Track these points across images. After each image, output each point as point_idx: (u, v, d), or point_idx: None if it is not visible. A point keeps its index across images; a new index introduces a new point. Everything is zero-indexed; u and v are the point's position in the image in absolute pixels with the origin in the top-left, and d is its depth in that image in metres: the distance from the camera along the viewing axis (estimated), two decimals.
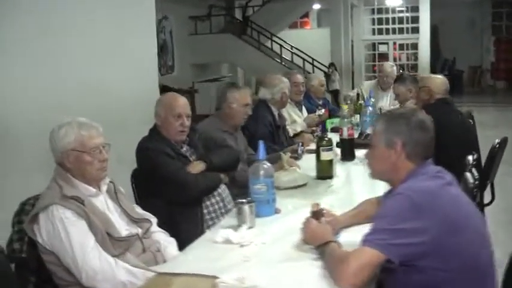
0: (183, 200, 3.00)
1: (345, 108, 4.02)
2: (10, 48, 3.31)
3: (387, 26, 18.40)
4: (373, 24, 18.57)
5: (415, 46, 18.38)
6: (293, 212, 2.67)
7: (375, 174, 2.22)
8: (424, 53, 16.92)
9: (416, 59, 18.47)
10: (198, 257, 2.16)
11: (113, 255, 2.34)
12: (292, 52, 15.46)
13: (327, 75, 14.00)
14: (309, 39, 18.32)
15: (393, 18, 18.39)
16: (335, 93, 14.39)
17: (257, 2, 15.76)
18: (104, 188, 2.53)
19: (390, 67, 6.73)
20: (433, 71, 16.33)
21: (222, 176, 3.19)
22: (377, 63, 18.79)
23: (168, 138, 3.10)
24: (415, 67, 18.07)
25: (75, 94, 3.76)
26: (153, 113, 4.67)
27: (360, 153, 3.93)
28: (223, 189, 3.20)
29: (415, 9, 17.61)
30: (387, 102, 6.36)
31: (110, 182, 2.58)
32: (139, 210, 2.70)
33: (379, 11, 18.34)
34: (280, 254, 2.13)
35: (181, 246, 2.57)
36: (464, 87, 18.60)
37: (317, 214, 2.25)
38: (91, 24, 3.96)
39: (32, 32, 3.40)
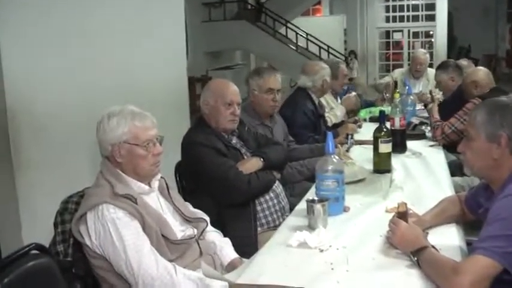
0: (231, 202, 2.74)
1: (397, 97, 3.75)
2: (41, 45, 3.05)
3: (402, 14, 18.00)
4: (388, 11, 18.17)
5: (429, 34, 18.04)
6: (363, 211, 2.42)
7: (473, 170, 1.96)
8: (440, 41, 16.53)
9: (430, 47, 18.08)
10: (274, 263, 1.89)
11: (170, 260, 2.08)
12: (307, 39, 15.11)
13: (346, 64, 13.68)
14: (322, 27, 17.96)
15: (408, 6, 18.01)
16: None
17: None
18: (156, 184, 2.27)
19: (423, 54, 6.49)
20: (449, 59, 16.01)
21: (276, 175, 2.92)
22: (391, 51, 18.47)
23: (217, 129, 2.83)
24: (430, 55, 17.74)
25: (106, 85, 3.50)
26: (183, 100, 4.44)
27: (410, 144, 3.69)
28: (277, 185, 2.94)
29: None
30: (420, 90, 6.11)
31: (161, 177, 2.32)
32: (190, 208, 2.44)
33: None
34: (367, 260, 1.87)
35: (233, 246, 2.38)
36: None
37: (404, 215, 1.98)
38: (119, 13, 3.70)
39: (57, 29, 3.13)
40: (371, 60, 17.73)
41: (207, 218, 2.43)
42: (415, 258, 1.79)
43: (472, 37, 18.83)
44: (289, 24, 15.25)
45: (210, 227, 2.42)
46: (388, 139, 3.09)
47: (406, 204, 2.01)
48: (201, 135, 2.79)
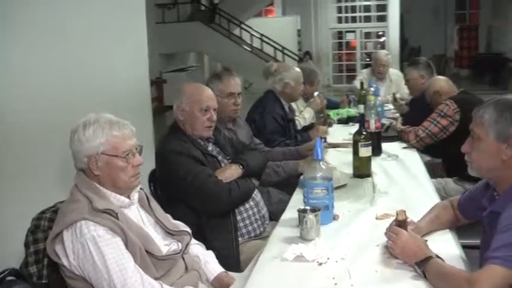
0: (212, 212, 2.62)
1: (372, 99, 3.71)
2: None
3: (354, 14, 18.19)
4: (340, 12, 18.32)
5: (381, 34, 18.30)
6: (352, 219, 2.34)
7: (480, 171, 1.90)
8: (393, 42, 16.75)
9: (383, 47, 18.34)
10: (272, 279, 1.79)
11: (155, 278, 1.97)
12: (262, 40, 15.07)
13: None
14: (276, 28, 17.94)
15: (360, 7, 18.21)
16: None
17: None
18: (136, 196, 2.14)
19: (385, 55, 6.51)
20: (400, 59, 16.28)
21: (254, 182, 2.83)
22: (344, 51, 18.62)
23: (193, 136, 2.71)
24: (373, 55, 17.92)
25: (66, 88, 3.32)
26: (145, 103, 4.29)
27: (385, 147, 3.66)
28: (256, 193, 2.84)
29: None
30: (383, 92, 6.12)
31: (141, 188, 2.19)
32: (171, 220, 2.31)
33: None
34: (370, 273, 1.79)
35: None
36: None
37: (404, 223, 1.91)
38: (80, 15, 3.52)
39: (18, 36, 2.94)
40: (324, 60, 17.84)
41: (189, 231, 2.31)
42: (420, 270, 1.72)
43: (422, 38, 19.24)
44: (243, 26, 15.17)
45: (193, 239, 2.31)
46: (368, 143, 3.04)
47: (405, 212, 1.94)
48: (176, 142, 2.66)
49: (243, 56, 13.92)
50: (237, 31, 14.99)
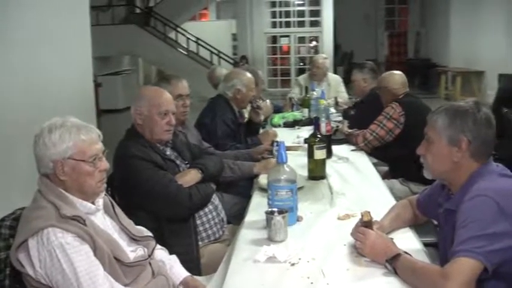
0: (173, 217, 2.62)
1: (322, 102, 3.79)
2: None
3: (288, 19, 18.44)
4: (274, 17, 18.52)
5: (315, 39, 18.61)
6: (315, 220, 2.40)
7: (433, 173, 2.02)
8: (327, 47, 17.09)
9: (316, 52, 18.67)
10: (248, 282, 1.81)
11: (125, 285, 1.95)
12: (198, 44, 15.04)
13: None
14: (210, 31, 18.00)
15: (294, 12, 18.46)
16: None
17: None
18: (101, 202, 2.10)
19: (322, 59, 6.66)
20: (334, 64, 16.66)
21: (212, 186, 2.84)
22: (278, 56, 18.80)
23: (152, 141, 2.69)
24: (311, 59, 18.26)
25: (10, 91, 3.23)
26: (89, 104, 4.23)
27: (334, 149, 3.75)
28: (214, 197, 2.86)
29: (315, 3, 17.82)
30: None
31: (105, 194, 2.16)
32: (134, 225, 2.28)
33: (280, 4, 18.34)
34: (342, 272, 1.86)
35: None
36: None
37: (369, 224, 1.98)
38: (25, 16, 3.44)
39: None
40: (259, 65, 17.99)
41: (152, 236, 2.29)
42: (391, 267, 1.80)
43: (354, 43, 19.75)
44: (179, 29, 15.09)
45: (157, 245, 2.29)
46: (323, 145, 3.11)
47: (369, 212, 2.01)
48: (135, 147, 2.63)
49: (178, 59, 13.86)
50: (172, 34, 14.89)
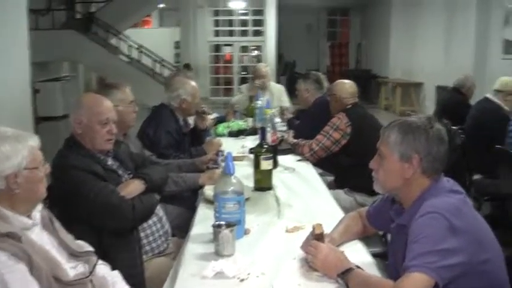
0: (116, 230, 2.50)
1: (268, 112, 3.76)
2: None
3: (231, 28, 18.45)
4: (217, 26, 18.49)
5: (258, 49, 18.69)
6: (263, 232, 2.35)
7: (384, 188, 2.00)
8: (270, 56, 17.16)
9: (259, 61, 18.74)
10: None
11: None
12: (141, 51, 14.81)
13: None
14: (153, 39, 17.78)
15: (237, 21, 18.49)
16: None
17: None
18: (38, 216, 1.97)
19: (264, 67, 6.66)
20: (277, 73, 16.77)
21: (158, 197, 2.74)
22: (221, 65, 18.78)
23: (93, 150, 2.57)
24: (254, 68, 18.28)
25: None
26: (25, 109, 4.05)
27: (280, 160, 3.72)
28: (158, 208, 2.75)
29: (258, 12, 17.91)
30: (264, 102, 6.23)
31: (43, 208, 2.03)
32: (73, 240, 2.16)
33: (224, 12, 18.33)
34: (294, 287, 1.80)
35: None
36: None
37: (321, 236, 1.94)
38: None
39: None
40: (202, 73, 17.90)
41: (93, 250, 2.18)
42: (343, 281, 1.76)
43: (296, 53, 19.96)
44: (121, 36, 14.81)
45: (98, 260, 2.18)
46: (269, 155, 3.06)
47: (321, 225, 1.98)
48: (75, 157, 2.50)
49: (120, 66, 13.61)
50: (114, 41, 14.60)
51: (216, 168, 3.51)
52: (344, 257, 1.87)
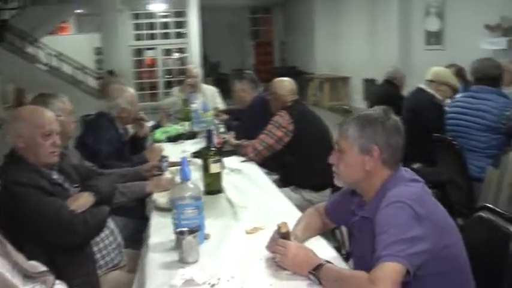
0: (68, 246, 2.43)
1: (210, 114, 3.75)
2: None
3: (153, 31, 18.19)
4: (139, 29, 18.18)
5: (181, 51, 18.55)
6: (224, 236, 2.35)
7: (347, 182, 2.05)
8: (195, 58, 17.06)
9: (183, 64, 18.63)
10: None
11: None
12: (59, 59, 14.38)
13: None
14: (72, 46, 17.28)
15: (159, 24, 18.24)
16: None
17: (14, 5, 14.31)
18: None
19: (195, 68, 6.66)
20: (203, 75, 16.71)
21: (107, 209, 2.68)
22: (145, 69, 18.47)
23: (37, 165, 2.48)
24: (184, 72, 18.12)
25: None
26: None
27: (225, 162, 3.72)
28: (109, 221, 2.70)
29: (180, 14, 17.77)
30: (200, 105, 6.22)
31: None
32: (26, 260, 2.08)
33: (144, 16, 18.06)
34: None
35: None
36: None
37: (287, 235, 1.97)
38: None
39: None
40: (126, 79, 17.58)
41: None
42: (315, 278, 1.79)
43: (221, 53, 20.01)
44: (38, 44, 14.33)
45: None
46: (217, 158, 3.07)
47: (286, 223, 2.00)
48: (20, 173, 2.39)
49: (39, 75, 13.19)
50: (31, 49, 14.10)
51: (161, 174, 3.47)
52: (313, 253, 1.91)
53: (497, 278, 1.93)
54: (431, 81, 4.69)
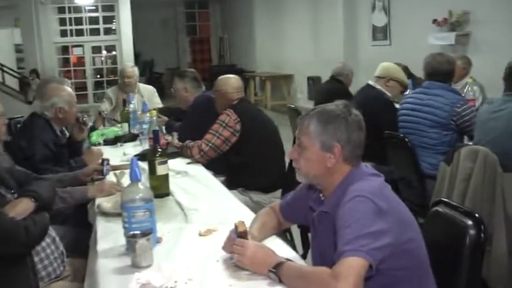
0: (6, 257, 2.41)
1: (154, 114, 3.79)
2: None
3: (80, 27, 17.82)
4: (64, 25, 17.80)
5: (111, 48, 18.32)
6: (177, 239, 2.42)
7: (307, 178, 2.15)
8: (126, 55, 16.83)
9: (114, 62, 18.43)
10: None
11: None
12: None
13: (27, 84, 13.04)
14: None
15: (86, 18, 17.91)
16: None
17: None
18: None
19: (131, 67, 6.64)
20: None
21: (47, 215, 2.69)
22: (72, 68, 18.15)
23: None
24: (114, 71, 17.92)
25: None
26: None
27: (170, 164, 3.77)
28: (50, 228, 2.69)
29: (109, 8, 17.54)
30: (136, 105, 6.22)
31: None
32: None
33: (69, 10, 17.70)
34: None
35: None
36: (166, 90, 19.26)
37: (245, 234, 2.05)
38: None
39: None
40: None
41: None
42: (275, 276, 1.88)
43: (154, 51, 19.87)
44: None
45: None
46: (164, 160, 3.12)
47: (244, 222, 2.08)
48: None
49: None
50: None
51: (102, 178, 3.49)
52: (272, 251, 1.99)
53: (455, 271, 2.08)
54: (379, 77, 4.88)
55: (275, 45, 14.66)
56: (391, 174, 4.19)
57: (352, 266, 1.74)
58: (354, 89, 5.90)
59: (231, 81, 4.17)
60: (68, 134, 4.24)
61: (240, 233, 2.04)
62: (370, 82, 4.96)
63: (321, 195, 2.16)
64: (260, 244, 2.05)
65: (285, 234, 3.49)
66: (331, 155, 2.03)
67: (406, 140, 4.11)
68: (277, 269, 1.89)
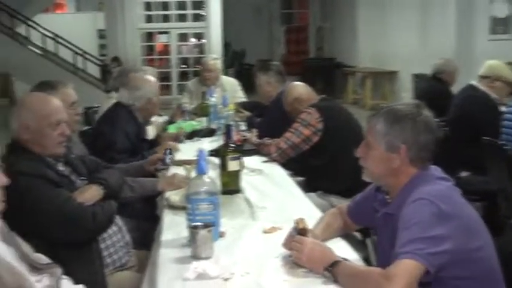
0: (74, 241, 2.76)
1: (232, 108, 4.07)
2: None
3: (166, 12, 18.28)
4: (149, 9, 18.29)
5: (198, 36, 18.59)
6: (240, 235, 2.68)
7: (372, 177, 2.36)
8: (215, 45, 17.05)
9: (201, 51, 18.68)
10: None
11: None
12: (56, 41, 14.82)
13: (108, 72, 13.72)
14: (70, 26, 17.71)
15: (173, 3, 18.22)
16: None
17: None
18: None
19: (212, 60, 6.95)
20: (225, 65, 16.78)
21: (114, 204, 3.01)
22: (156, 57, 18.61)
23: (42, 155, 2.81)
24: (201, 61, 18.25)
25: None
26: None
27: (245, 161, 4.02)
28: (117, 217, 3.03)
29: None
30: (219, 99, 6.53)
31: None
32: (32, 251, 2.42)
33: None
34: (280, 283, 2.15)
35: None
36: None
37: (305, 231, 2.29)
38: None
39: None
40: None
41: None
42: (330, 275, 2.10)
43: (245, 41, 20.01)
44: (30, 23, 14.78)
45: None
46: (236, 156, 3.38)
47: (304, 220, 2.32)
48: (25, 163, 2.71)
49: (32, 60, 13.65)
50: (23, 30, 14.56)
51: (165, 169, 3.80)
52: (330, 250, 2.22)
53: None
54: (483, 76, 4.91)
55: (378, 37, 14.41)
56: (487, 185, 4.25)
57: (406, 268, 1.94)
58: (459, 89, 5.86)
59: (298, 89, 4.44)
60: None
61: (299, 230, 2.28)
62: (473, 82, 5.01)
63: (387, 196, 2.36)
64: (318, 242, 2.27)
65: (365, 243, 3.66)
66: (396, 156, 2.23)
67: (506, 148, 4.15)
68: (332, 268, 2.10)
